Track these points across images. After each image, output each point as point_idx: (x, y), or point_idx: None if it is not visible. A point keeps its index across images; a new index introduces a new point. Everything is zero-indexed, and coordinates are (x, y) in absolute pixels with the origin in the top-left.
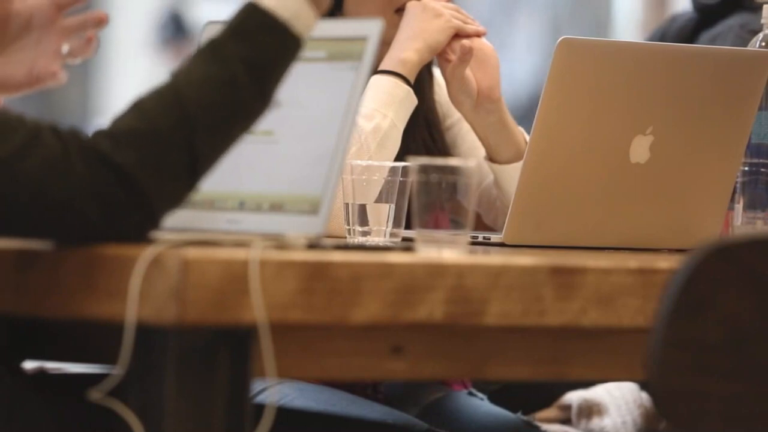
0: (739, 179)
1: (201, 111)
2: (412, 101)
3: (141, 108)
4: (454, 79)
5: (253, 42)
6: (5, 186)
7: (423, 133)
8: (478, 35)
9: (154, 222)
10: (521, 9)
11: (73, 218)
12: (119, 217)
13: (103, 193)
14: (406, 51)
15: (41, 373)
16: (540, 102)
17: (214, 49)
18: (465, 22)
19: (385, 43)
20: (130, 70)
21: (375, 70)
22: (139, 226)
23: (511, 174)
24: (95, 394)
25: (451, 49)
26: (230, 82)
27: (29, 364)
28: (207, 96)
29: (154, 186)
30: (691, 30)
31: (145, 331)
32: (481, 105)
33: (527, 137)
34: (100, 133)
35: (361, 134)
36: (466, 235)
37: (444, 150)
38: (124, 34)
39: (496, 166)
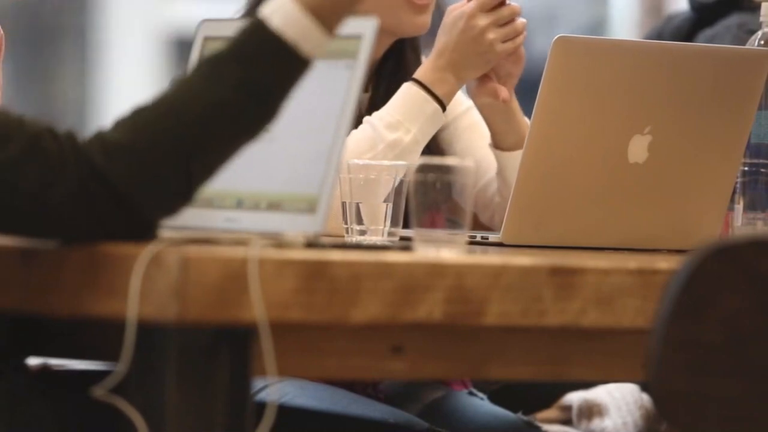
0: (739, 179)
1: (197, 129)
2: (440, 119)
3: (138, 120)
4: (481, 93)
5: (256, 65)
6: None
7: None
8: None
9: (146, 233)
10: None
11: (64, 228)
12: (110, 229)
13: (95, 207)
14: (449, 74)
15: (44, 369)
16: (536, 101)
17: (216, 66)
18: (508, 19)
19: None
20: (129, 71)
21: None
22: (131, 237)
23: (515, 162)
24: (98, 391)
25: (494, 71)
26: (229, 104)
27: (33, 361)
28: (204, 115)
29: (146, 201)
30: (687, 29)
31: (147, 329)
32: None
33: None
34: (95, 142)
35: (379, 144)
36: (464, 235)
37: (439, 151)
38: (123, 34)
39: (500, 153)
